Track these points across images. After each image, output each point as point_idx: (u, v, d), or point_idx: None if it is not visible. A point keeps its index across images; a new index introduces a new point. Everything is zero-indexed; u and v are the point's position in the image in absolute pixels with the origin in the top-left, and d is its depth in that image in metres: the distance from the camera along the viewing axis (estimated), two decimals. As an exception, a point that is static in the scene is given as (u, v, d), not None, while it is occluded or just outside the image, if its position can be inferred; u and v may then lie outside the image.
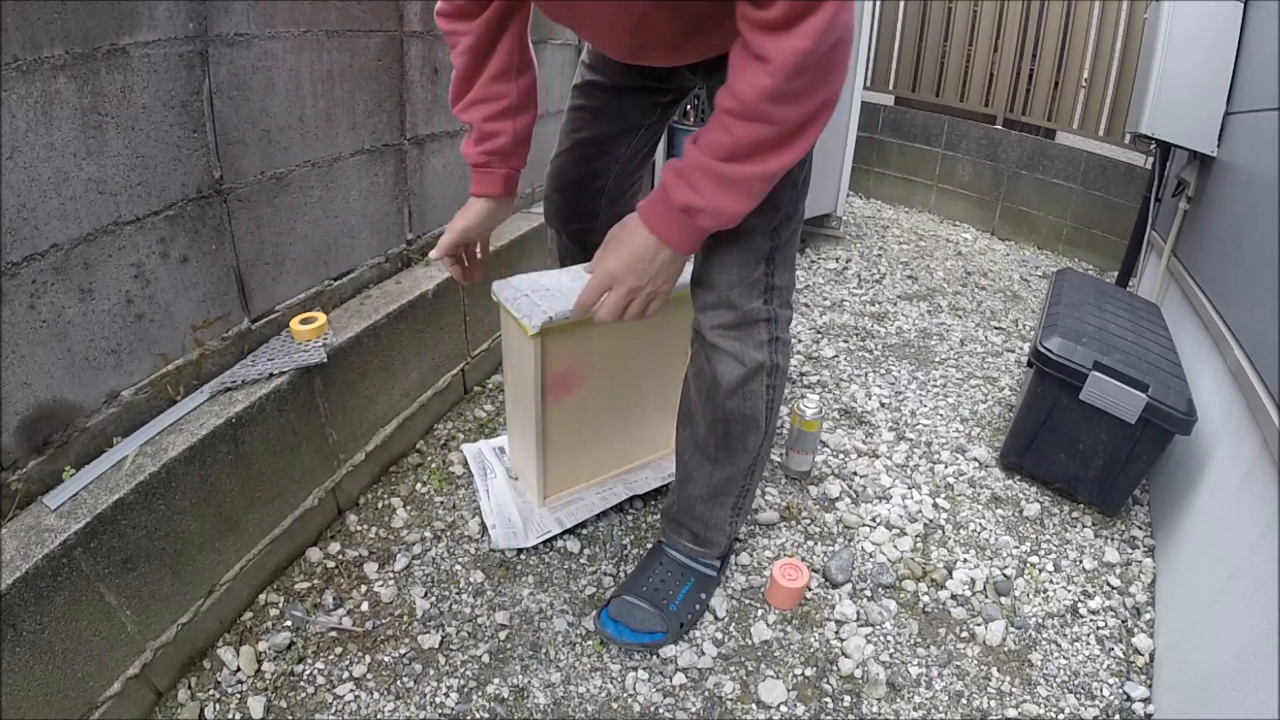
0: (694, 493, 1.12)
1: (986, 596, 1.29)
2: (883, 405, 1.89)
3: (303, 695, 1.02)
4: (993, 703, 1.10)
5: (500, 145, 1.06)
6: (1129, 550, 1.43)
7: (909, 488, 1.56)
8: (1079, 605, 1.28)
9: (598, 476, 1.39)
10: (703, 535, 1.15)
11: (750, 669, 1.11)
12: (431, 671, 1.07)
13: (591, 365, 1.25)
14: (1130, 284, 2.57)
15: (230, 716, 0.98)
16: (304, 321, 1.24)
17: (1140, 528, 1.50)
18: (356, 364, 1.31)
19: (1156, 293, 2.25)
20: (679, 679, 1.08)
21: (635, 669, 1.09)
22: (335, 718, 0.99)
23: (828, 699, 1.08)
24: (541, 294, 1.19)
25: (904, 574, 1.32)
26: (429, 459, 1.53)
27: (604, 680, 1.08)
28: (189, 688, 1.00)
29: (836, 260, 3.03)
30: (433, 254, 1.13)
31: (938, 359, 2.19)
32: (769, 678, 1.09)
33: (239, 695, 1.00)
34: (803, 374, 2.01)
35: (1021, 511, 1.52)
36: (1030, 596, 1.30)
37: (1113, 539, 1.46)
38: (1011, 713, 1.08)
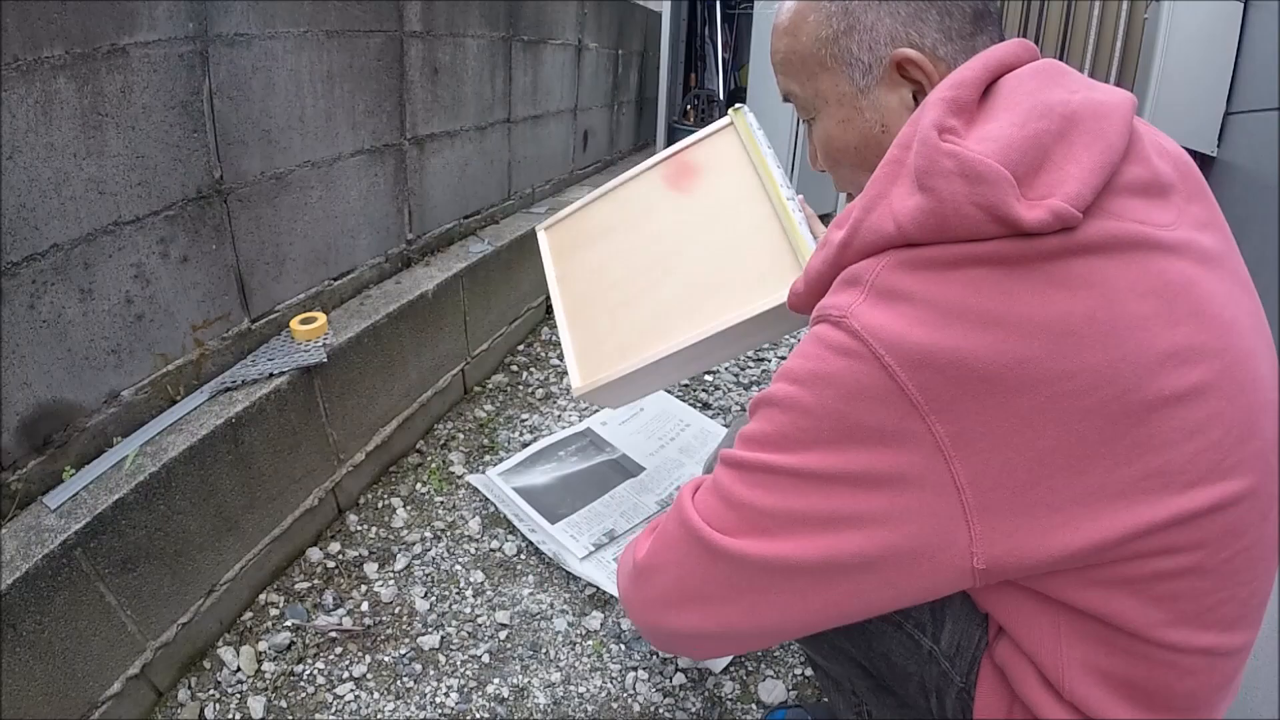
0: None
1: (986, 596, 1.29)
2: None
3: (303, 695, 1.02)
4: (993, 703, 1.10)
5: None
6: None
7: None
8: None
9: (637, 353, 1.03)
10: None
11: (750, 669, 1.11)
12: (431, 671, 1.07)
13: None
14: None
15: (230, 716, 0.98)
16: (304, 321, 1.24)
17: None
18: (356, 364, 1.32)
19: (1156, 293, 2.24)
20: (679, 679, 1.08)
21: (635, 669, 1.09)
22: (335, 718, 0.99)
23: (827, 699, 1.08)
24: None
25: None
26: (429, 459, 1.53)
27: (604, 680, 1.08)
28: (189, 688, 1.00)
29: (836, 260, 3.03)
30: None
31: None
32: (769, 678, 1.09)
33: (239, 695, 1.00)
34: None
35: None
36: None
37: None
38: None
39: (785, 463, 0.54)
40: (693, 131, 1.08)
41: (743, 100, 3.30)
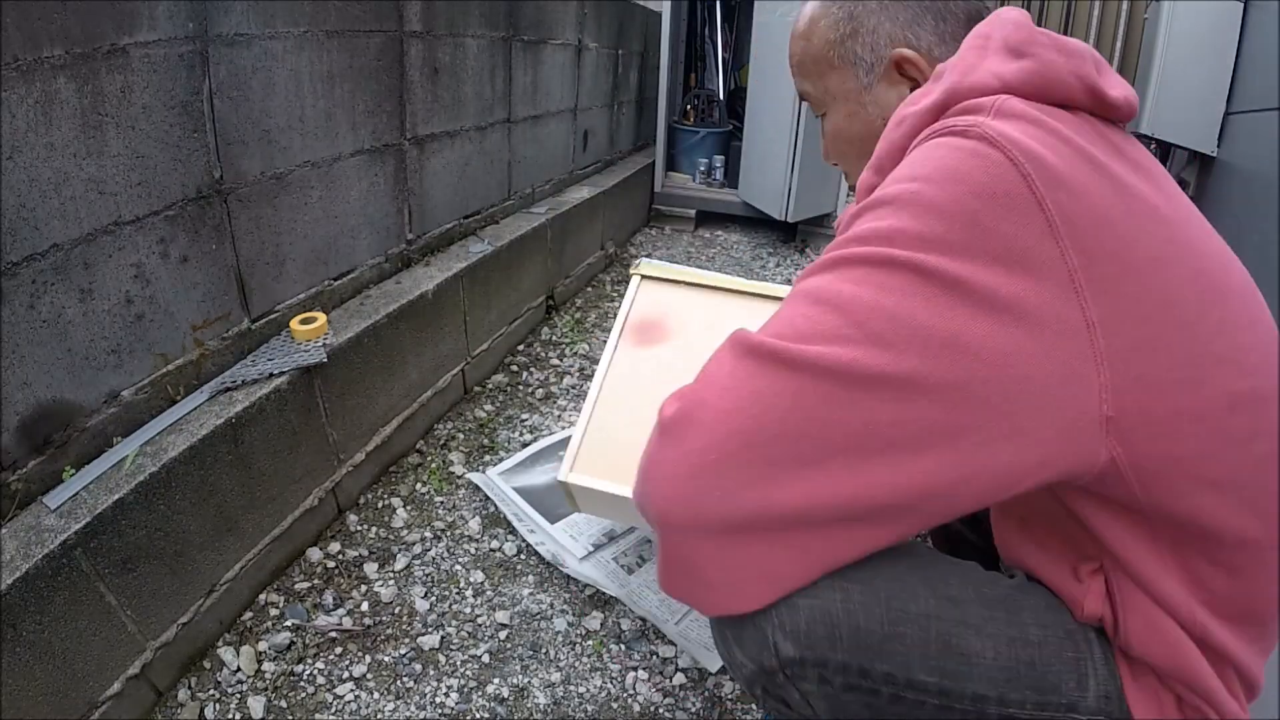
0: None
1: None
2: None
3: (303, 695, 1.02)
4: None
5: None
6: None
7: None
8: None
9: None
10: None
11: (750, 669, 1.11)
12: (431, 671, 1.07)
13: (680, 323, 1.15)
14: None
15: (230, 716, 0.98)
16: (304, 321, 1.24)
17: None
18: (356, 364, 1.31)
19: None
20: (679, 679, 1.08)
21: (635, 669, 1.09)
22: (335, 718, 0.99)
23: (828, 699, 1.08)
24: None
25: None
26: (429, 459, 1.53)
27: (604, 680, 1.08)
28: (189, 688, 1.00)
29: (836, 260, 3.03)
30: None
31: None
32: (769, 678, 1.09)
33: (239, 695, 1.00)
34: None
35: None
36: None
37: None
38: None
39: (907, 257, 0.47)
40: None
41: (742, 98, 3.30)
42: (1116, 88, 0.55)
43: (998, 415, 0.46)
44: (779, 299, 1.20)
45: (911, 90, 0.68)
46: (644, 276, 1.20)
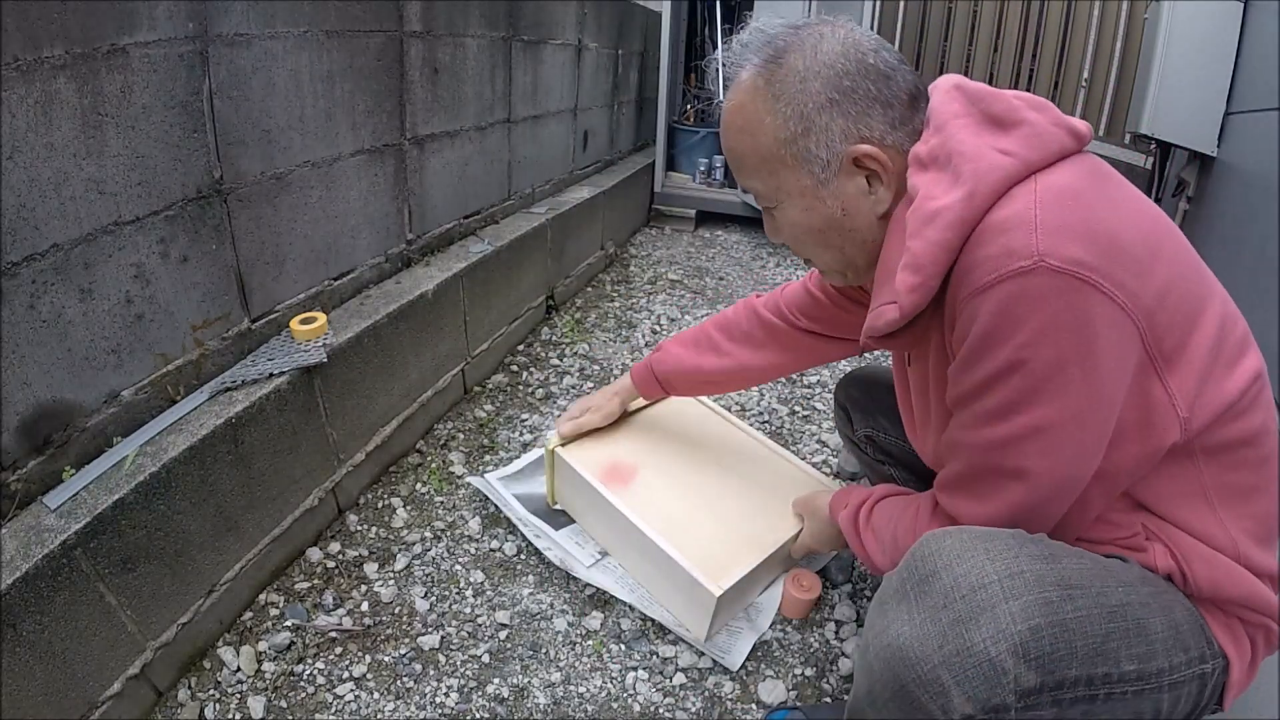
0: None
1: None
2: (883, 405, 1.89)
3: (303, 695, 1.02)
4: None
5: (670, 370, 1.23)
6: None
7: (909, 488, 1.55)
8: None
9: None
10: None
11: (750, 669, 1.11)
12: (431, 671, 1.07)
13: (636, 457, 1.30)
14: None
15: (230, 716, 0.98)
16: (304, 321, 1.24)
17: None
18: (356, 364, 1.31)
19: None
20: (679, 679, 1.08)
21: (635, 669, 1.09)
22: (335, 718, 0.99)
23: (828, 699, 1.07)
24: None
25: (904, 574, 1.32)
26: (429, 459, 1.53)
27: (604, 680, 1.08)
28: (189, 688, 1.00)
29: (836, 260, 3.03)
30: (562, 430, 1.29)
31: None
32: (769, 678, 1.09)
33: (239, 695, 1.00)
34: (803, 373, 2.01)
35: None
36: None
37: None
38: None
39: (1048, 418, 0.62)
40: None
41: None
42: (1077, 121, 0.67)
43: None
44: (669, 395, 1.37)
45: (868, 180, 0.72)
46: (557, 448, 1.29)
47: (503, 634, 1.14)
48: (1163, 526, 0.69)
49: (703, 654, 1.12)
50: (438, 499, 1.42)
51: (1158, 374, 0.62)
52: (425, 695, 1.03)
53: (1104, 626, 0.58)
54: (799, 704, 1.06)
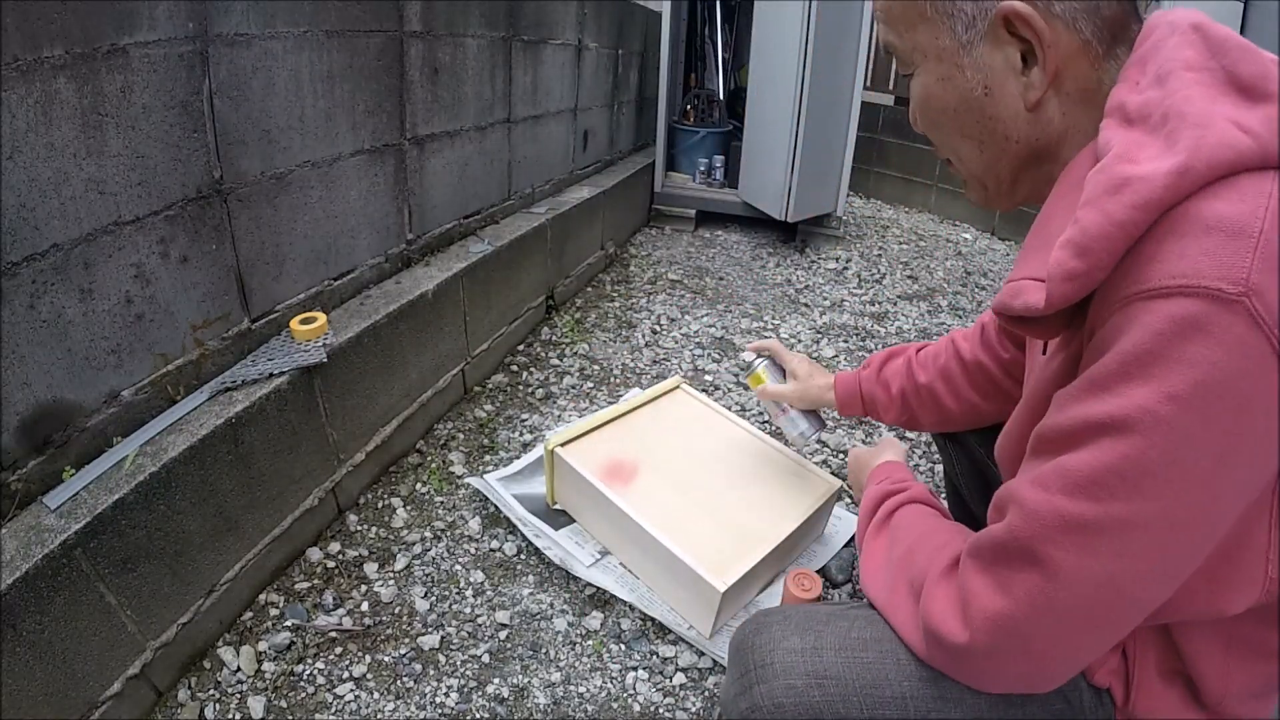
0: None
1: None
2: (883, 405, 1.89)
3: (303, 695, 1.02)
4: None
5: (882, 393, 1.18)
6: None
7: (909, 488, 1.55)
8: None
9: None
10: None
11: (750, 669, 1.11)
12: (431, 671, 1.07)
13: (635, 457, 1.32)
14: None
15: (230, 716, 0.98)
16: (304, 321, 1.24)
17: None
18: (356, 364, 1.31)
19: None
20: (679, 679, 1.08)
21: (635, 669, 1.09)
22: (335, 718, 0.99)
23: (828, 699, 1.07)
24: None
25: (904, 574, 1.31)
26: (429, 459, 1.53)
27: (604, 680, 1.08)
28: (189, 688, 1.00)
29: (836, 260, 3.03)
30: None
31: (938, 359, 2.19)
32: (769, 678, 1.09)
33: (239, 695, 1.00)
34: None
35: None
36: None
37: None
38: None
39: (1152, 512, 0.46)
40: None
41: (742, 98, 3.30)
42: None
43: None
44: (669, 391, 1.48)
45: (1022, 55, 0.56)
46: (557, 447, 1.30)
47: (503, 634, 1.14)
48: (1151, 648, 0.59)
49: (703, 654, 1.12)
50: (438, 499, 1.42)
51: (1271, 514, 0.48)
52: (425, 695, 1.03)
53: (867, 714, 0.58)
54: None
